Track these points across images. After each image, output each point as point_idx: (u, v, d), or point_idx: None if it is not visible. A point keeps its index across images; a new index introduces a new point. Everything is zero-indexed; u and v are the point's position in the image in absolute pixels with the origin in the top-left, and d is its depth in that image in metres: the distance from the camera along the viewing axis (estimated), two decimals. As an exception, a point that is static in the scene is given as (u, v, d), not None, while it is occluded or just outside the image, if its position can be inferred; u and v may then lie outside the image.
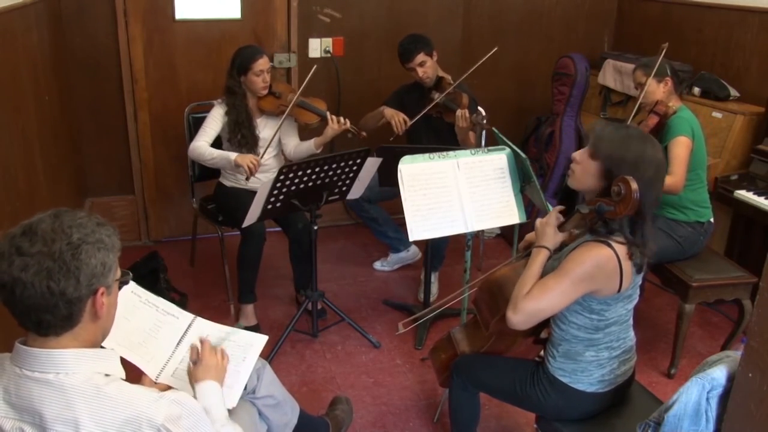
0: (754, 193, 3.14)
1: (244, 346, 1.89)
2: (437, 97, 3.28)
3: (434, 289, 3.46)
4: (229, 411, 1.64)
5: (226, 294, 3.42)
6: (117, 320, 1.41)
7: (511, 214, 2.49)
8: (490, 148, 2.52)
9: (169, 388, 1.64)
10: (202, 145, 3.08)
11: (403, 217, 2.37)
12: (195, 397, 1.56)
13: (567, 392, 1.89)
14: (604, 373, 1.87)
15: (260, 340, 1.91)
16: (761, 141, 3.33)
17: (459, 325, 2.34)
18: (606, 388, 1.89)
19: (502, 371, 2.05)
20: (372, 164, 2.85)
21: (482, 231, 3.73)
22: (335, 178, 2.78)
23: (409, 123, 3.32)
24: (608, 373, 1.87)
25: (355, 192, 2.98)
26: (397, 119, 3.32)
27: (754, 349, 1.21)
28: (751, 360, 1.23)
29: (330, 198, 2.88)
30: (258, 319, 3.20)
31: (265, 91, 3.14)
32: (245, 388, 1.85)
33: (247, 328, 2.97)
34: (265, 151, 3.12)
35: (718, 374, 1.40)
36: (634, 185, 1.63)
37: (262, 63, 3.07)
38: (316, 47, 4.00)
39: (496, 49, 3.17)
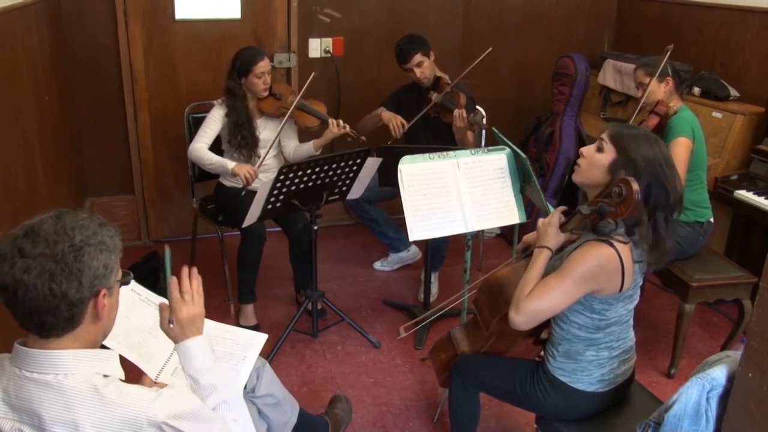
0: (754, 193, 3.14)
1: (243, 345, 1.90)
2: (435, 97, 3.28)
3: (434, 289, 3.46)
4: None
5: (226, 294, 3.42)
6: (118, 319, 1.41)
7: (511, 214, 2.49)
8: (490, 148, 2.52)
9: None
10: (201, 148, 3.08)
11: (403, 217, 2.37)
12: (180, 362, 1.49)
13: (567, 392, 1.89)
14: (604, 372, 1.87)
15: (260, 338, 1.92)
16: (761, 141, 3.33)
17: (459, 325, 2.34)
18: (606, 388, 1.89)
19: (502, 371, 2.05)
20: (372, 164, 2.85)
21: (482, 231, 3.73)
22: (335, 178, 2.78)
23: (407, 126, 3.32)
24: (608, 372, 1.87)
25: (355, 192, 2.98)
26: (395, 122, 3.32)
27: (754, 349, 1.21)
28: (751, 360, 1.23)
29: (330, 198, 2.88)
30: (258, 319, 3.20)
31: (266, 93, 3.14)
32: (245, 387, 1.85)
33: (247, 328, 2.97)
34: (265, 156, 3.12)
35: (718, 374, 1.40)
36: (635, 186, 1.63)
37: (263, 65, 3.07)
38: (316, 47, 4.00)
39: (490, 49, 3.18)
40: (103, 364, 1.32)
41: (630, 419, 1.87)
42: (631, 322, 1.90)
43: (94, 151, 3.85)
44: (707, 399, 1.40)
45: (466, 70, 3.19)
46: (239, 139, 3.13)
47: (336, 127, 3.11)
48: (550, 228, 1.83)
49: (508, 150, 2.51)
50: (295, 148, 3.29)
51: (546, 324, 1.95)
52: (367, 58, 4.11)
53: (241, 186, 3.02)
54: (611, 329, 1.83)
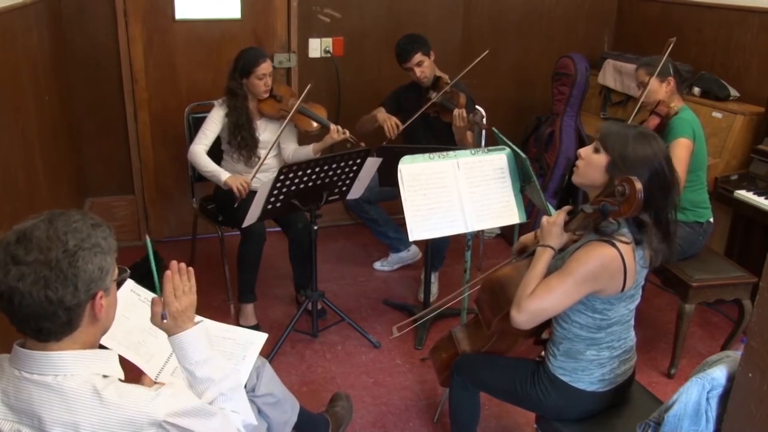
0: (754, 193, 3.14)
1: (243, 345, 1.90)
2: (434, 96, 3.28)
3: (434, 289, 3.46)
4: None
5: (226, 294, 3.42)
6: (117, 319, 1.41)
7: (511, 214, 2.49)
8: (490, 148, 2.52)
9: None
10: (200, 152, 3.08)
11: (403, 217, 2.36)
12: (176, 356, 1.49)
13: (567, 391, 1.89)
14: (604, 372, 1.87)
15: (260, 338, 1.92)
16: (761, 141, 3.33)
17: (460, 325, 2.34)
18: (606, 388, 1.89)
19: (503, 370, 2.05)
20: (372, 164, 2.85)
21: (482, 231, 3.73)
22: (335, 178, 2.78)
23: (401, 127, 3.32)
24: (608, 372, 1.87)
25: (355, 192, 2.98)
26: (389, 123, 3.32)
27: (754, 349, 1.21)
28: (751, 360, 1.23)
29: (330, 198, 2.88)
30: (258, 319, 3.20)
31: (266, 95, 3.14)
32: (245, 387, 1.85)
33: (247, 328, 2.97)
34: (264, 158, 3.12)
35: (718, 374, 1.40)
36: (638, 185, 1.63)
37: (265, 67, 3.06)
38: (316, 47, 4.00)
39: (487, 52, 3.19)
40: (102, 364, 1.31)
41: (630, 419, 1.87)
42: (632, 322, 1.90)
43: (94, 151, 3.85)
44: (707, 399, 1.40)
45: (463, 71, 3.20)
46: (239, 139, 3.13)
47: (336, 133, 3.12)
48: (555, 227, 1.82)
49: (508, 150, 2.51)
50: (294, 150, 3.29)
51: (547, 324, 1.95)
52: (367, 58, 4.11)
53: (238, 196, 3.00)
54: (612, 329, 1.83)
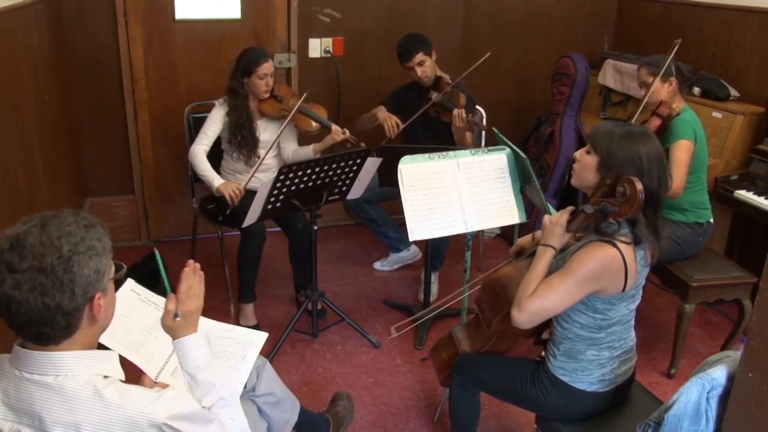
0: (754, 193, 3.14)
1: (243, 344, 1.90)
2: (435, 96, 3.28)
3: (434, 289, 3.46)
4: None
5: (226, 294, 3.42)
6: (117, 318, 1.41)
7: (511, 214, 2.49)
8: (490, 148, 2.52)
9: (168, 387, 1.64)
10: (200, 153, 3.09)
11: (403, 217, 2.37)
12: (178, 359, 1.50)
13: (567, 391, 1.89)
14: (604, 372, 1.87)
15: (260, 337, 1.92)
16: (761, 141, 3.33)
17: (460, 325, 2.34)
18: (606, 388, 1.89)
19: (503, 370, 2.05)
20: (372, 164, 2.85)
21: (482, 231, 3.73)
22: (335, 178, 2.78)
23: (401, 126, 3.32)
24: (608, 372, 1.87)
25: (355, 192, 2.98)
26: (390, 122, 3.32)
27: (754, 349, 1.21)
28: (751, 360, 1.23)
29: (330, 198, 2.88)
30: (258, 319, 3.20)
31: (267, 95, 3.15)
32: (245, 386, 1.85)
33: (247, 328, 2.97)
34: (264, 157, 3.12)
35: (718, 374, 1.40)
36: (639, 186, 1.63)
37: (267, 67, 3.07)
38: (316, 47, 4.00)
39: (489, 54, 3.19)
40: (103, 364, 1.31)
41: (630, 419, 1.87)
42: (633, 322, 1.90)
43: (94, 151, 3.85)
44: (707, 399, 1.40)
45: (465, 72, 3.20)
46: (239, 138, 3.13)
47: (336, 133, 3.12)
48: (558, 227, 1.82)
49: (508, 150, 2.51)
50: (294, 151, 3.29)
51: (547, 324, 1.96)
52: (367, 58, 4.11)
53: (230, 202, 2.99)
54: (613, 329, 1.83)
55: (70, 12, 3.56)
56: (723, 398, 1.39)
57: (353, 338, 3.14)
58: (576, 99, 3.87)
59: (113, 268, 1.32)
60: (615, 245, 1.71)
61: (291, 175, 2.60)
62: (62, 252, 1.19)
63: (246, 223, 2.73)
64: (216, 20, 3.77)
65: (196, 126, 3.27)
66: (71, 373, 1.25)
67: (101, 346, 1.40)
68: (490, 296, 1.99)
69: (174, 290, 1.52)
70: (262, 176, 3.13)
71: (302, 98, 3.08)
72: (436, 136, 3.41)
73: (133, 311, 1.82)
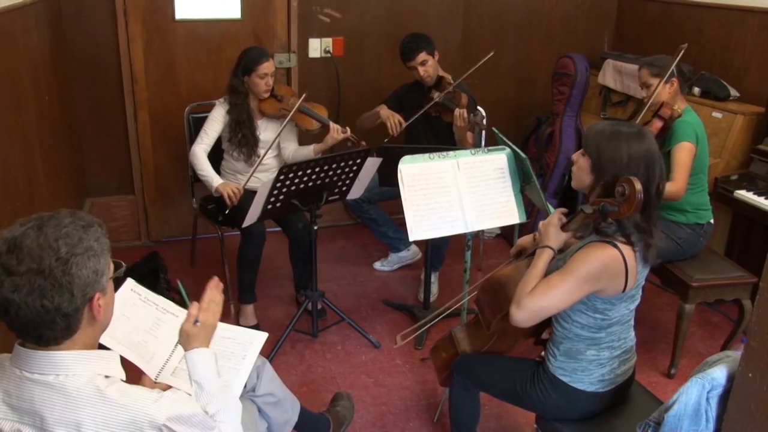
0: (754, 193, 3.14)
1: (244, 344, 1.90)
2: (437, 96, 3.28)
3: (434, 289, 3.46)
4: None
5: (226, 294, 3.38)
6: (117, 318, 1.41)
7: (511, 214, 2.49)
8: (490, 148, 2.52)
9: (169, 387, 1.63)
10: (200, 153, 3.10)
11: (403, 217, 2.37)
12: (188, 367, 1.53)
13: (567, 391, 1.89)
14: (604, 372, 1.87)
15: (260, 337, 1.92)
16: (761, 141, 3.33)
17: (460, 325, 2.34)
18: (606, 388, 1.89)
19: (503, 370, 2.05)
20: (372, 164, 2.85)
21: (482, 231, 3.73)
22: (335, 178, 2.78)
23: (404, 124, 3.32)
24: (608, 372, 1.87)
25: (355, 192, 2.98)
26: (393, 121, 3.32)
27: (754, 349, 1.21)
28: (751, 360, 1.23)
29: (330, 198, 2.88)
30: (258, 319, 3.20)
31: (267, 95, 3.15)
32: (245, 386, 1.85)
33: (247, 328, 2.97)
34: (264, 156, 3.12)
35: (718, 374, 1.40)
36: (638, 185, 1.63)
37: (267, 66, 3.07)
38: (316, 47, 4.00)
39: (492, 53, 3.18)
40: (104, 364, 1.31)
41: (630, 419, 1.87)
42: (632, 322, 1.90)
43: (94, 151, 3.85)
44: (707, 399, 1.40)
45: (467, 72, 3.19)
46: (240, 137, 3.13)
47: (337, 131, 3.12)
48: (551, 228, 1.84)
49: (508, 150, 2.51)
50: (295, 150, 3.29)
51: (547, 324, 1.96)
52: (367, 58, 4.11)
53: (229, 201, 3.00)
54: (613, 329, 1.83)
55: (70, 12, 3.56)
56: (723, 398, 1.39)
57: (353, 338, 3.14)
58: (576, 99, 3.87)
59: (112, 267, 1.32)
60: (615, 246, 1.71)
61: (291, 175, 2.60)
62: (60, 254, 1.19)
63: (246, 223, 2.73)
64: (216, 20, 3.77)
65: (196, 126, 3.27)
66: (72, 372, 1.25)
67: (101, 347, 1.40)
68: (490, 296, 1.99)
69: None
70: (262, 176, 3.13)
71: (302, 98, 3.08)
72: (436, 135, 3.41)
73: (133, 311, 1.82)
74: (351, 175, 2.82)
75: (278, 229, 3.38)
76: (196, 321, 1.55)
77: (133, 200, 3.99)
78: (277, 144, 3.24)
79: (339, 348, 3.08)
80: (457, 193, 2.42)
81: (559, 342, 1.89)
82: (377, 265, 3.84)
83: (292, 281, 3.43)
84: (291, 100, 3.18)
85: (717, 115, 3.45)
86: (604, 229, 1.74)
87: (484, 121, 2.94)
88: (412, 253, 3.78)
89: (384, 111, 3.38)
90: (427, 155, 2.43)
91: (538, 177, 3.67)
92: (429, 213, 2.39)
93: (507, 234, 4.12)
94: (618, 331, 1.85)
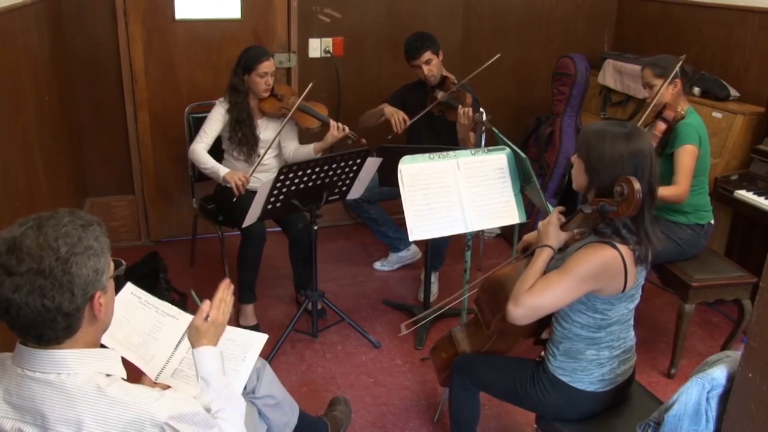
0: (754, 193, 3.14)
1: (243, 346, 1.90)
2: (441, 95, 3.28)
3: (434, 289, 3.46)
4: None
5: (226, 294, 3.41)
6: (118, 321, 1.41)
7: (511, 214, 2.49)
8: (490, 148, 2.52)
9: (168, 387, 1.64)
10: (200, 149, 3.09)
11: (403, 217, 2.37)
12: (194, 362, 1.55)
13: (567, 391, 1.89)
14: (604, 372, 1.87)
15: (260, 339, 1.92)
16: (761, 141, 3.33)
17: (460, 325, 2.34)
18: (606, 388, 1.89)
19: (503, 370, 2.05)
20: (372, 164, 2.85)
21: (482, 231, 3.73)
22: (335, 178, 2.78)
23: (409, 122, 3.32)
24: (608, 372, 1.87)
25: (355, 192, 2.98)
26: (397, 118, 3.32)
27: (754, 349, 1.21)
28: (751, 360, 1.23)
29: (330, 198, 2.88)
30: (258, 319, 3.20)
31: (267, 94, 3.15)
32: (245, 388, 1.85)
33: (247, 329, 2.97)
34: (263, 157, 3.12)
35: (718, 374, 1.40)
36: (636, 185, 1.63)
37: (267, 65, 3.07)
38: (316, 47, 4.00)
39: (498, 55, 3.17)
40: (105, 363, 1.32)
41: (630, 419, 1.87)
42: (632, 321, 1.91)
43: (94, 151, 3.85)
44: (707, 399, 1.40)
45: (473, 73, 3.19)
46: (239, 136, 3.13)
47: (336, 130, 3.11)
48: (550, 227, 1.85)
49: (508, 150, 2.51)
50: (295, 149, 3.29)
51: (546, 324, 1.96)
52: (367, 58, 4.11)
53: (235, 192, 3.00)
54: (612, 329, 1.83)
55: (69, 12, 3.56)
56: (723, 398, 1.39)
57: (353, 338, 3.14)
58: (576, 99, 3.87)
59: (112, 266, 1.32)
60: (614, 246, 1.71)
61: (291, 175, 2.60)
62: (60, 253, 1.19)
63: (246, 223, 2.73)
64: (216, 20, 3.77)
65: (196, 126, 3.27)
66: (73, 371, 1.26)
67: (102, 346, 1.40)
68: (489, 296, 1.99)
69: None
70: (262, 176, 3.13)
71: (306, 90, 3.06)
72: (438, 134, 3.41)
73: (134, 314, 1.83)
74: (351, 175, 2.82)
75: (278, 229, 3.38)
76: (207, 317, 1.58)
77: (133, 200, 3.99)
78: (278, 143, 3.24)
79: (339, 348, 3.08)
80: (457, 193, 2.42)
81: (559, 342, 1.89)
82: (377, 265, 3.84)
83: (292, 281, 3.43)
84: (291, 99, 3.18)
85: (717, 115, 3.45)
86: (603, 230, 1.74)
87: (489, 121, 2.94)
88: (412, 253, 3.78)
89: (388, 108, 3.38)
90: (427, 155, 2.43)
91: (538, 177, 3.67)
92: (429, 213, 2.39)
93: (507, 234, 4.12)
94: (617, 330, 1.85)
